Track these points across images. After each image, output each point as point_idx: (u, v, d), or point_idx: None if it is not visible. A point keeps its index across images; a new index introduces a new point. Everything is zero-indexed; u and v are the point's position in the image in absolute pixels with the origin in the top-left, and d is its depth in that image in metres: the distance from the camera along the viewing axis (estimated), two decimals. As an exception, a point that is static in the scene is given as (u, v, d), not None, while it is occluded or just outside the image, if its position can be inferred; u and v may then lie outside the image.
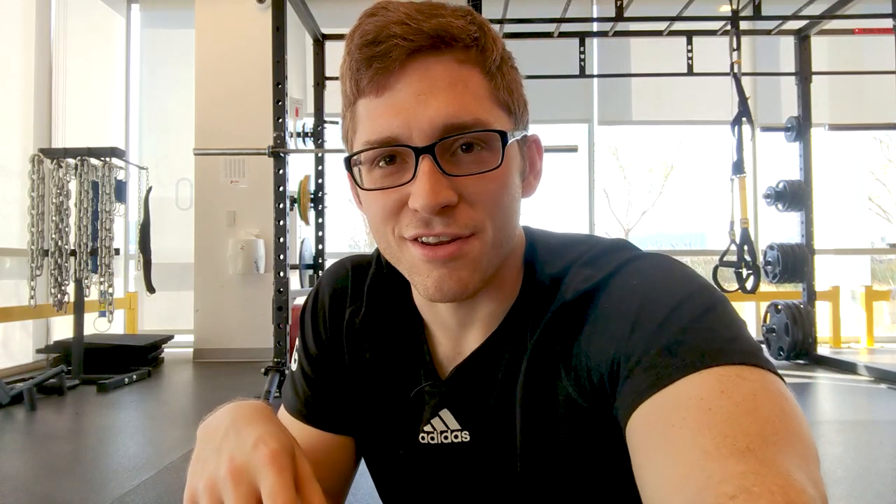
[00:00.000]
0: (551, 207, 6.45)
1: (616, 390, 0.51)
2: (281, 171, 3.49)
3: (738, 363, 0.45)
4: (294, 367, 0.74)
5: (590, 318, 0.55)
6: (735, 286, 3.97)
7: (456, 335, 0.63)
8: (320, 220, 4.58)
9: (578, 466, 0.57)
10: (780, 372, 0.47)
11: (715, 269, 3.95)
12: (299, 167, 4.44)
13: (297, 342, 0.74)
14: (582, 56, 4.48)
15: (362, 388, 0.68)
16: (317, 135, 4.57)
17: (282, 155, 3.49)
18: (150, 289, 4.18)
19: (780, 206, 4.60)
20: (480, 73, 0.55)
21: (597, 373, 0.53)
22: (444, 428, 0.63)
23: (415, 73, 0.53)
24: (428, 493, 0.66)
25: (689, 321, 0.49)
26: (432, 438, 0.63)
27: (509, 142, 0.55)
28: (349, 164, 0.57)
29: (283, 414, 0.73)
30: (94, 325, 4.12)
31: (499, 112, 0.56)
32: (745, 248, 3.83)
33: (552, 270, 0.59)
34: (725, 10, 4.05)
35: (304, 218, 4.46)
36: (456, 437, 0.62)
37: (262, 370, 3.34)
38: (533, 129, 0.64)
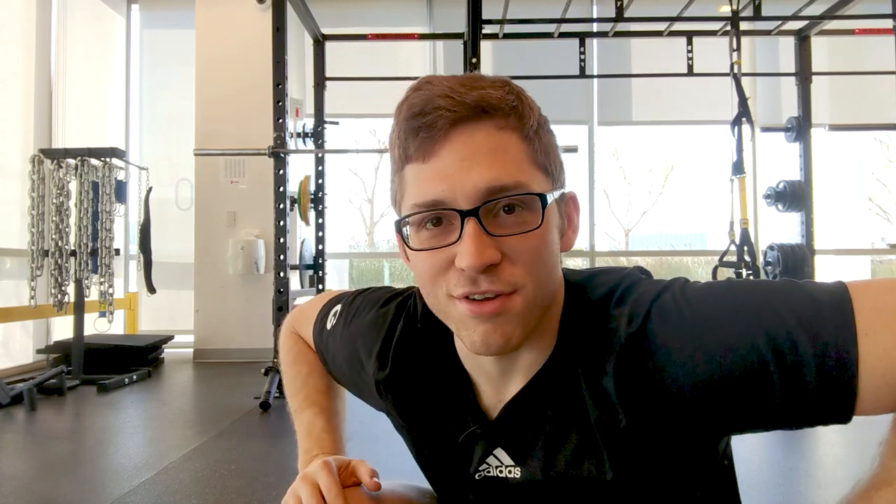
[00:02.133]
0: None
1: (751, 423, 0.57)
2: (281, 172, 3.49)
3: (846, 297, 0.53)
4: (328, 326, 0.86)
5: (653, 359, 0.59)
6: (735, 286, 3.96)
7: (498, 382, 0.68)
8: (320, 221, 4.57)
9: (665, 483, 0.63)
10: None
11: (715, 270, 3.95)
12: (299, 167, 4.44)
13: (331, 325, 0.84)
14: (582, 56, 4.47)
15: (411, 432, 0.76)
16: (317, 135, 4.57)
17: (282, 155, 3.49)
18: (151, 289, 4.18)
19: (780, 206, 4.60)
20: (519, 139, 0.59)
21: (697, 413, 0.58)
22: (498, 464, 0.69)
23: (458, 141, 0.57)
24: None
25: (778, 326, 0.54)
26: (488, 472, 0.69)
27: (548, 202, 0.58)
28: (399, 225, 0.61)
29: (308, 323, 0.91)
30: (95, 326, 4.12)
31: (537, 174, 0.59)
32: (745, 248, 3.83)
33: (588, 313, 0.64)
34: (725, 10, 4.04)
35: (305, 218, 4.45)
36: (510, 472, 0.68)
37: (263, 370, 3.34)
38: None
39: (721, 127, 4.53)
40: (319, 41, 4.56)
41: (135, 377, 3.83)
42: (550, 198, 0.59)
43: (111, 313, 3.99)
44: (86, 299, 3.82)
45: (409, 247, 0.61)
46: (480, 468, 0.70)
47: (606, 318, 0.62)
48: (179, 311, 5.27)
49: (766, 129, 4.88)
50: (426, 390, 0.72)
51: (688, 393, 0.57)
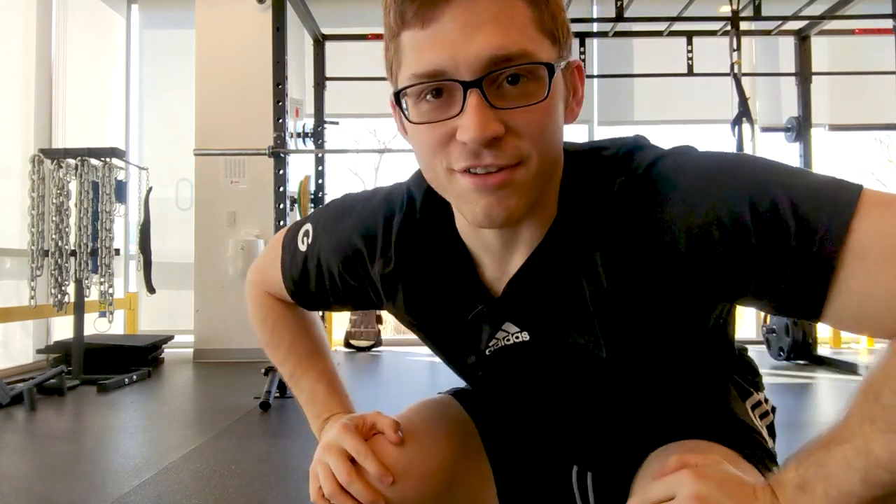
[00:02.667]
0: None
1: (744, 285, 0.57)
2: (281, 172, 3.49)
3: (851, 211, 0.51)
4: (302, 247, 0.82)
5: (645, 214, 0.59)
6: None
7: (501, 257, 0.67)
8: (320, 221, 4.57)
9: (660, 340, 0.65)
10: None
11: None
12: (299, 167, 4.43)
13: (307, 244, 0.82)
14: (582, 56, 4.47)
15: (420, 324, 0.75)
16: (317, 135, 4.57)
17: (282, 155, 3.49)
18: (151, 289, 4.18)
19: (780, 206, 4.59)
20: (524, 2, 0.55)
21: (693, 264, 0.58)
22: (506, 334, 0.70)
23: (459, 6, 0.53)
24: (503, 382, 0.76)
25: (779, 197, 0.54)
26: (496, 345, 0.71)
27: (556, 73, 0.56)
28: (397, 97, 0.59)
29: (274, 261, 0.88)
30: (95, 326, 4.11)
31: (544, 41, 0.56)
32: (745, 248, 3.83)
33: (591, 180, 0.63)
34: (725, 10, 4.04)
35: (305, 218, 4.45)
36: (517, 337, 0.69)
37: (262, 371, 3.34)
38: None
39: (721, 127, 4.53)
40: (319, 41, 4.56)
41: (135, 377, 3.83)
42: (557, 67, 0.56)
43: (111, 313, 3.99)
44: (86, 299, 3.82)
45: (408, 120, 0.58)
46: (490, 343, 0.70)
47: (603, 186, 0.62)
48: (179, 311, 5.27)
49: (766, 129, 4.88)
50: (431, 276, 0.71)
51: (675, 247, 0.58)
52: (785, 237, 0.53)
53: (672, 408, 0.76)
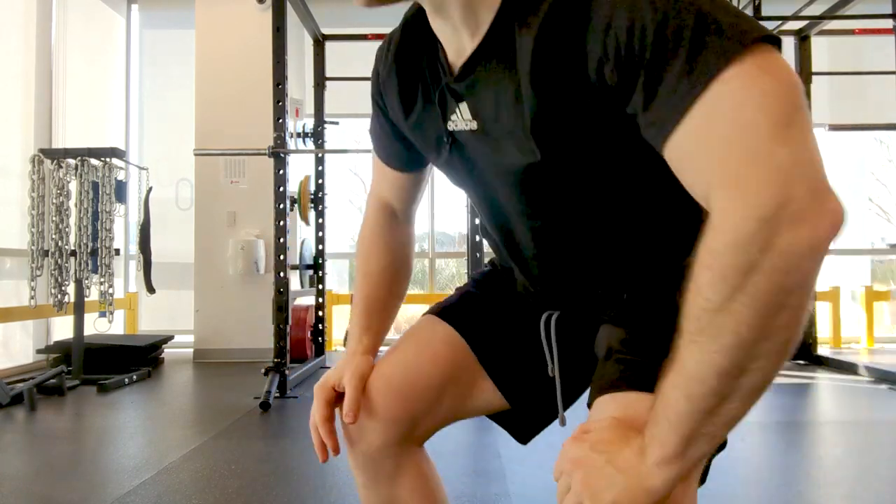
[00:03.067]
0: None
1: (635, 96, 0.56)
2: (281, 172, 3.50)
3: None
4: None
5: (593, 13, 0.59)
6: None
7: (454, 41, 0.73)
8: (320, 221, 4.58)
9: (589, 142, 0.68)
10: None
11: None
12: (299, 167, 4.44)
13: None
14: (582, 56, 4.48)
15: (408, 108, 0.84)
16: (317, 135, 4.57)
17: (282, 155, 3.49)
18: (150, 289, 4.18)
19: (780, 206, 4.60)
20: None
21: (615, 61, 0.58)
22: (461, 118, 0.76)
23: None
24: (466, 172, 0.82)
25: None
26: (457, 126, 0.77)
27: None
28: None
29: (375, 157, 0.99)
30: (95, 326, 4.11)
31: None
32: (745, 248, 3.84)
33: None
34: (725, 10, 4.05)
35: (305, 218, 4.45)
36: (467, 125, 0.76)
37: (262, 371, 3.34)
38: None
39: (721, 127, 4.53)
40: (319, 41, 4.57)
41: (135, 377, 3.83)
42: None
43: (111, 313, 3.99)
44: (86, 299, 3.82)
45: None
46: (451, 118, 0.77)
47: None
48: (179, 311, 5.27)
49: (766, 129, 4.87)
50: (414, 68, 0.81)
51: (587, 45, 0.59)
52: (667, 58, 0.53)
53: (625, 256, 0.80)
